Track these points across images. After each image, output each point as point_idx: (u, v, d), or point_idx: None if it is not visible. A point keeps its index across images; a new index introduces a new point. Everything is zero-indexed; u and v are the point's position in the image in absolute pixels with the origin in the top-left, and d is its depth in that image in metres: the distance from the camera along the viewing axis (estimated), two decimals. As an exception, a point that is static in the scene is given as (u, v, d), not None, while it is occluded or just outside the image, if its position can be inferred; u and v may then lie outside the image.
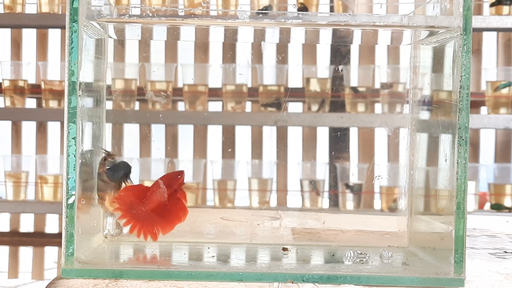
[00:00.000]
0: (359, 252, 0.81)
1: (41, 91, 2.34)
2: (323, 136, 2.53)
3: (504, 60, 2.57)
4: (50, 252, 2.98)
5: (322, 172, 2.26)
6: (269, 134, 2.57)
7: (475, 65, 2.53)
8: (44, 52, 2.72)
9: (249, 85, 2.31)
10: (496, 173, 2.34)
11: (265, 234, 0.99)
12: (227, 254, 0.82)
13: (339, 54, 2.31)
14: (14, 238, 2.77)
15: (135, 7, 2.20)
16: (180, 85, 2.28)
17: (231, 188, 2.26)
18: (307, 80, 2.23)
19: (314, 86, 2.22)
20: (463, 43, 0.70)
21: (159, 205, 0.70)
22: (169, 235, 0.79)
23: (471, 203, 2.29)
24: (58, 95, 2.32)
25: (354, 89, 2.20)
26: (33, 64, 2.54)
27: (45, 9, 2.35)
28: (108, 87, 0.86)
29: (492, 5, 2.28)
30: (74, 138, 0.70)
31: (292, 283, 0.69)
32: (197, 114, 2.23)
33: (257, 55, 2.27)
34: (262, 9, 2.27)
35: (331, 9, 2.43)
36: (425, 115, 0.84)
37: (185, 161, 2.30)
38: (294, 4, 2.39)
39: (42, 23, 2.45)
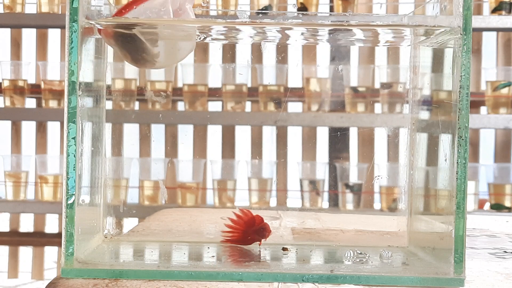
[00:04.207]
0: (359, 252, 0.81)
1: (41, 91, 2.34)
2: (323, 136, 2.53)
3: (503, 60, 2.57)
4: (50, 252, 2.98)
5: (322, 172, 2.26)
6: (269, 134, 2.57)
7: (475, 65, 2.53)
8: (44, 52, 2.72)
9: (249, 85, 2.31)
10: (496, 173, 2.34)
11: (265, 234, 0.99)
12: (227, 254, 0.82)
13: (339, 54, 2.31)
14: (14, 238, 2.77)
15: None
16: (180, 85, 2.28)
17: (231, 188, 2.26)
18: (307, 80, 2.23)
19: (314, 86, 2.22)
20: (463, 43, 0.70)
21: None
22: (169, 235, 0.79)
23: (470, 203, 2.29)
24: (58, 95, 2.32)
25: (354, 89, 2.20)
26: (33, 64, 2.54)
27: (45, 9, 2.35)
28: (108, 87, 0.86)
29: (493, 11, 2.29)
30: (74, 138, 0.70)
31: None
32: (197, 114, 2.23)
33: (257, 55, 2.27)
34: (262, 9, 2.27)
35: (331, 9, 2.43)
36: (425, 115, 0.84)
37: (185, 161, 2.30)
38: (294, 4, 2.39)
39: (42, 23, 2.45)
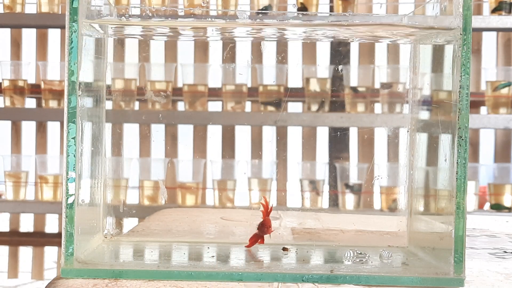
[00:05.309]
0: (359, 252, 0.81)
1: (41, 91, 2.34)
2: (323, 136, 2.53)
3: (503, 60, 2.57)
4: (50, 252, 2.98)
5: (322, 172, 2.26)
6: (269, 134, 2.57)
7: (475, 65, 2.54)
8: (44, 52, 2.72)
9: (249, 85, 2.31)
10: (496, 173, 2.34)
11: (265, 234, 0.99)
12: (227, 254, 0.82)
13: (339, 54, 2.31)
14: (13, 238, 2.77)
15: (135, 7, 2.21)
16: (180, 85, 2.28)
17: (231, 188, 2.26)
18: (307, 80, 2.23)
19: (314, 86, 2.22)
20: (463, 43, 0.70)
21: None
22: (169, 235, 0.79)
23: (471, 203, 2.29)
24: (58, 95, 2.32)
25: (354, 89, 2.20)
26: (33, 64, 2.54)
27: (45, 9, 2.35)
28: (108, 87, 0.86)
29: (493, 11, 2.29)
30: (74, 138, 0.70)
31: None
32: (197, 114, 2.23)
33: (257, 54, 2.27)
34: (262, 9, 2.27)
35: (331, 9, 2.43)
36: (425, 115, 0.84)
37: (185, 161, 2.30)
38: (294, 4, 2.39)
39: (42, 23, 2.45)
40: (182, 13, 2.05)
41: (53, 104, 2.33)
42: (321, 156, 2.49)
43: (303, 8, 2.27)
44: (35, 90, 2.44)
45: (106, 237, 0.86)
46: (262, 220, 0.83)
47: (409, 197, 0.87)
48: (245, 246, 0.84)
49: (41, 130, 2.72)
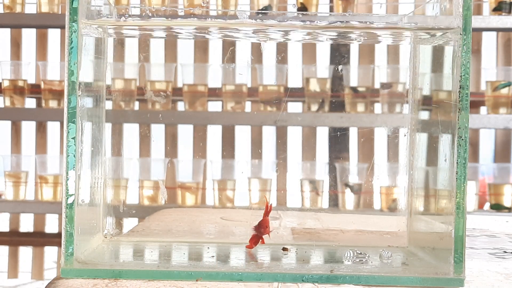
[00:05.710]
0: (359, 252, 0.81)
1: (41, 91, 2.34)
2: (322, 136, 2.53)
3: (503, 60, 2.57)
4: (50, 252, 2.98)
5: (322, 172, 2.26)
6: (269, 134, 2.57)
7: (474, 65, 2.53)
8: (44, 52, 2.72)
9: (249, 85, 2.31)
10: (496, 173, 2.34)
11: (265, 234, 0.99)
12: (227, 254, 0.82)
13: (339, 54, 2.31)
14: (13, 238, 2.77)
15: (135, 7, 2.21)
16: (180, 85, 2.28)
17: (231, 188, 2.26)
18: (306, 80, 2.23)
19: (314, 86, 2.22)
20: (463, 43, 0.70)
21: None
22: (169, 235, 0.79)
23: (471, 203, 2.29)
24: (57, 95, 2.32)
25: (354, 89, 2.20)
26: (32, 64, 2.54)
27: (44, 9, 2.35)
28: (108, 87, 0.86)
29: (493, 11, 2.29)
30: (73, 138, 0.70)
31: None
32: (197, 114, 2.23)
33: (257, 55, 2.27)
34: (262, 9, 2.27)
35: (331, 9, 2.43)
36: (425, 115, 0.84)
37: (185, 161, 2.30)
38: (294, 4, 2.39)
39: (42, 23, 2.45)
40: (182, 13, 2.05)
41: (53, 104, 2.33)
42: (321, 156, 2.49)
43: (303, 8, 2.27)
44: (35, 90, 2.44)
45: (106, 237, 0.86)
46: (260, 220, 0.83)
47: (409, 197, 0.87)
48: (246, 247, 0.84)
49: (41, 130, 2.72)
